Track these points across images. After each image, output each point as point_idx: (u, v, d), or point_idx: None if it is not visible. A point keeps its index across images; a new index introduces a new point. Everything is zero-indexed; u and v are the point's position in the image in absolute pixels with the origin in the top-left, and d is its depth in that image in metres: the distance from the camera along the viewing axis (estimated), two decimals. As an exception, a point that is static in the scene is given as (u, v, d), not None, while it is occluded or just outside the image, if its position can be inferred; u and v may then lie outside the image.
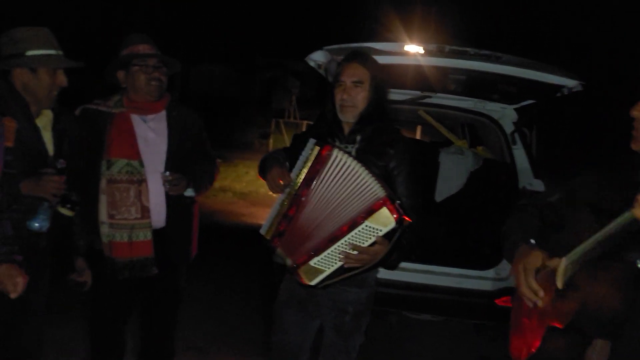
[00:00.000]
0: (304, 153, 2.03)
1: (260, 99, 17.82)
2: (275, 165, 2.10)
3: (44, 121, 2.14)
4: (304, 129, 13.94)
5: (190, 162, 2.48)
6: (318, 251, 1.89)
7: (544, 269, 1.51)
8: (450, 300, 3.54)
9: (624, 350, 1.51)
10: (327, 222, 1.91)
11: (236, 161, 11.23)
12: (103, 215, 2.31)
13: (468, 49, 3.23)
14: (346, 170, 1.90)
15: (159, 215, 2.40)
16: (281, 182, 2.03)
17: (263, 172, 2.18)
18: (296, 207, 1.98)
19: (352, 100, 2.07)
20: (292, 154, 2.16)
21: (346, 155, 1.91)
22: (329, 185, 1.92)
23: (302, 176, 1.98)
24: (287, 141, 13.99)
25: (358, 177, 1.87)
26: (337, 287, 2.05)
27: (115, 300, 2.44)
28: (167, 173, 2.32)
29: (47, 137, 2.14)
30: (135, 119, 2.39)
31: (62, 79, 2.11)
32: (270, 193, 2.09)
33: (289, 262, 1.98)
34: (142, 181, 2.32)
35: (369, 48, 3.30)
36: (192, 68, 17.12)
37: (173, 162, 2.41)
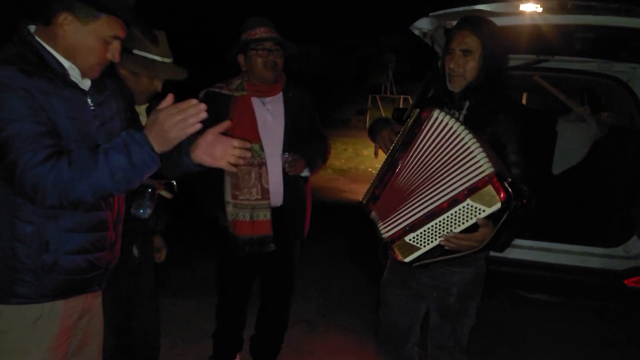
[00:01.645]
0: (410, 120, 1.93)
1: (355, 77, 17.71)
2: (385, 126, 2.07)
3: (141, 108, 2.19)
4: (401, 104, 13.69)
5: (305, 141, 2.54)
6: (414, 227, 1.78)
7: None
8: (571, 279, 3.29)
9: None
10: (424, 192, 1.78)
11: (334, 138, 11.27)
12: (228, 195, 2.44)
13: (594, 3, 2.89)
14: (447, 133, 1.74)
15: (276, 195, 2.49)
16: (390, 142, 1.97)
17: (373, 134, 2.15)
18: (392, 171, 1.90)
19: (461, 69, 1.93)
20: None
21: (448, 117, 1.76)
22: (427, 149, 1.80)
23: (401, 139, 1.89)
24: (383, 116, 13.79)
25: (460, 141, 1.70)
26: (438, 266, 1.93)
27: (238, 273, 2.59)
28: (287, 155, 2.41)
29: (144, 123, 2.20)
30: (255, 101, 2.48)
31: (157, 86, 2.14)
32: (370, 169, 2.04)
33: (383, 233, 1.89)
34: (262, 164, 2.43)
35: (479, 10, 3.09)
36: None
37: (290, 143, 2.48)
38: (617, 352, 3.36)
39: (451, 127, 1.73)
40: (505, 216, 1.65)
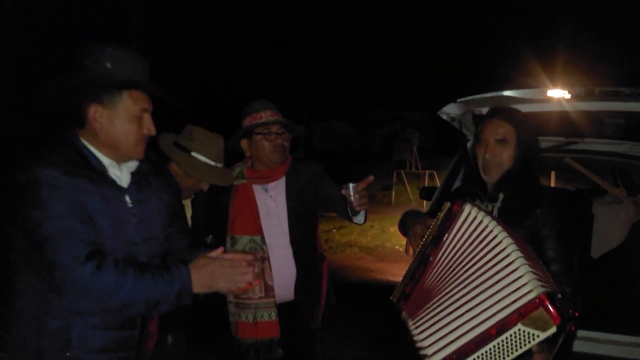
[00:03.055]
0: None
1: (380, 152, 17.98)
2: (417, 221, 1.96)
3: (186, 200, 2.25)
4: (426, 179, 13.73)
5: (315, 223, 2.43)
6: (461, 356, 1.57)
7: None
8: (619, 373, 3.08)
9: None
10: (461, 301, 1.60)
11: (360, 215, 11.25)
12: (229, 294, 2.28)
13: (622, 89, 2.91)
14: (481, 231, 1.63)
15: (284, 289, 2.33)
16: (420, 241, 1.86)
17: (404, 228, 2.06)
18: (423, 267, 1.77)
19: (496, 159, 1.91)
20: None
21: (482, 213, 1.66)
22: (460, 247, 1.67)
23: (431, 233, 1.81)
24: (409, 191, 13.81)
25: (497, 244, 1.57)
26: None
27: None
28: (351, 185, 2.08)
29: (188, 214, 2.24)
30: (257, 189, 2.39)
31: (204, 186, 2.22)
32: (397, 247, 1.97)
33: (418, 345, 1.66)
34: (264, 259, 2.29)
35: (507, 97, 3.14)
36: (315, 126, 17.90)
37: (295, 225, 2.35)
38: None
39: (486, 226, 1.62)
40: (561, 339, 1.51)
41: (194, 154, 2.16)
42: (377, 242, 8.90)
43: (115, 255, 1.49)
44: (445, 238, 1.73)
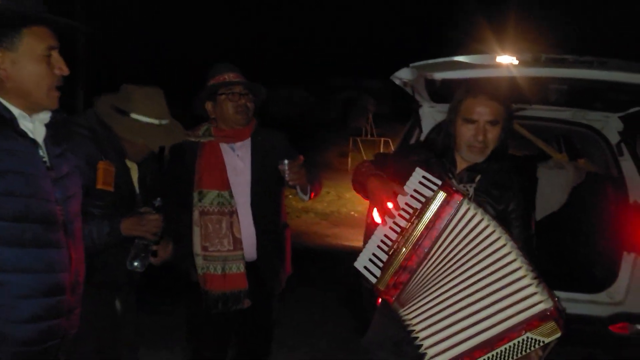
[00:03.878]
0: (411, 183, 1.83)
1: (337, 119, 17.97)
2: (384, 185, 1.87)
3: (131, 162, 2.18)
4: (381, 146, 13.86)
5: (277, 186, 2.43)
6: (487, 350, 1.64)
7: None
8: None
9: None
10: (466, 301, 1.66)
11: (316, 182, 11.32)
12: (197, 247, 2.31)
13: (567, 57, 3.02)
14: (481, 231, 1.66)
15: (249, 247, 2.36)
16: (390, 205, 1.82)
17: (365, 189, 1.95)
18: (417, 258, 1.72)
19: (489, 141, 1.86)
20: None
21: (480, 210, 1.67)
22: (458, 244, 1.69)
23: (424, 222, 1.72)
24: (365, 158, 13.91)
25: (500, 249, 1.63)
26: None
27: (212, 333, 2.41)
28: (286, 161, 2.21)
29: (134, 177, 2.17)
30: (224, 147, 2.40)
31: (154, 148, 2.13)
32: (353, 212, 1.97)
33: (422, 342, 1.71)
34: (233, 213, 2.31)
35: (458, 62, 3.19)
36: (271, 93, 17.68)
37: (257, 188, 2.38)
38: (606, 400, 3.33)
39: (487, 225, 1.65)
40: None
41: (133, 115, 2.04)
42: (333, 208, 9.00)
43: (33, 216, 1.40)
44: (441, 231, 1.70)
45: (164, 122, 2.11)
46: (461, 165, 1.95)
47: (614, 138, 3.54)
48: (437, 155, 1.98)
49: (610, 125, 3.59)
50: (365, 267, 1.86)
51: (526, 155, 5.26)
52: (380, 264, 1.81)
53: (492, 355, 1.63)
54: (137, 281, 2.25)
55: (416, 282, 1.75)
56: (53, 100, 1.52)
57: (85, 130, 1.99)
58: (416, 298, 1.76)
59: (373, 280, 1.82)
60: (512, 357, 1.62)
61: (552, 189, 3.69)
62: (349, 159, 13.61)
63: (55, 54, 1.50)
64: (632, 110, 3.52)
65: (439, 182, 1.76)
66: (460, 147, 1.91)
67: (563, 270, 3.62)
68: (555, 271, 3.62)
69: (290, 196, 9.78)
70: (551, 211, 3.70)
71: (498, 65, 3.05)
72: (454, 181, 1.92)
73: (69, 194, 1.55)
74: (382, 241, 1.84)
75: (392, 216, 1.82)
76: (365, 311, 2.92)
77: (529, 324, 1.58)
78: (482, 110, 1.85)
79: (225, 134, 2.41)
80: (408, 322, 1.75)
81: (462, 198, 1.69)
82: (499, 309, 1.62)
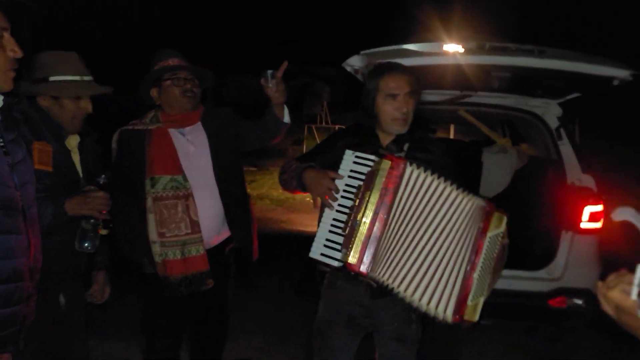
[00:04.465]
0: (345, 166, 1.92)
1: (291, 106, 17.95)
2: (321, 175, 1.94)
3: (72, 144, 2.13)
4: (336, 134, 13.99)
5: (237, 163, 2.46)
6: (465, 294, 1.84)
7: None
8: (500, 302, 3.45)
9: None
10: (436, 248, 1.85)
11: (271, 169, 11.33)
12: (153, 234, 2.27)
13: (509, 45, 3.15)
14: (427, 186, 1.86)
15: (211, 230, 2.36)
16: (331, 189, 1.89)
17: (299, 181, 2.00)
18: (383, 227, 1.81)
19: (408, 112, 2.00)
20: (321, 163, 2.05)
21: (422, 169, 1.85)
22: (412, 203, 1.85)
23: (376, 192, 1.82)
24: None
25: (443, 190, 1.86)
26: (396, 298, 1.96)
27: (168, 321, 2.40)
28: (269, 72, 2.20)
29: (76, 159, 2.13)
30: (174, 133, 2.37)
31: (86, 106, 2.08)
32: (308, 199, 2.00)
33: (445, 316, 1.86)
34: (188, 196, 2.29)
35: (407, 50, 3.27)
36: (224, 79, 17.42)
37: (221, 167, 2.38)
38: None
39: (432, 180, 1.86)
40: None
41: (52, 78, 2.00)
42: (288, 195, 9.03)
43: None
44: (395, 195, 1.82)
45: (86, 78, 2.08)
46: (386, 139, 2.07)
47: (553, 123, 3.73)
48: (362, 136, 2.08)
49: (551, 111, 3.78)
50: (322, 254, 1.89)
51: (472, 140, 5.47)
52: (338, 246, 1.87)
53: (480, 272, 1.85)
54: (82, 274, 2.21)
55: (385, 247, 1.84)
56: (7, 82, 1.49)
57: (18, 114, 1.95)
58: (389, 261, 1.85)
59: (335, 263, 1.86)
60: (491, 261, 1.86)
61: (496, 172, 3.86)
62: (304, 146, 13.67)
63: (6, 35, 1.46)
64: (570, 96, 3.73)
65: (374, 157, 1.87)
66: (386, 123, 2.03)
67: (508, 249, 3.80)
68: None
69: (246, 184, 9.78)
70: (495, 193, 3.87)
71: (445, 53, 3.16)
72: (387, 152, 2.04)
73: (25, 179, 1.53)
74: (332, 225, 1.90)
75: (335, 199, 1.91)
76: (320, 295, 2.98)
77: (484, 227, 1.84)
78: (401, 84, 1.99)
79: (173, 119, 2.37)
80: (391, 286, 1.86)
81: (405, 162, 1.85)
82: (462, 236, 1.86)
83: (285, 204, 8.42)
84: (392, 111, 2.00)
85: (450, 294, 1.85)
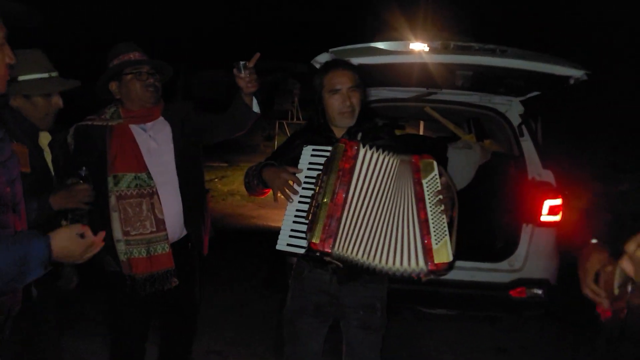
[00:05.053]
0: (304, 160, 2.05)
1: (262, 103, 17.88)
2: (280, 171, 2.03)
3: (44, 142, 2.13)
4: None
5: (199, 157, 2.46)
6: (428, 241, 1.90)
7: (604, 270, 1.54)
8: (464, 293, 3.58)
9: None
10: (392, 214, 1.94)
11: (242, 165, 11.28)
12: (117, 233, 2.24)
13: (473, 44, 3.25)
14: (382, 164, 1.96)
15: (175, 225, 2.36)
16: (292, 183, 2.01)
17: (262, 180, 2.09)
18: (342, 208, 1.91)
19: (353, 105, 2.13)
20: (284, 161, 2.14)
21: (374, 149, 1.97)
22: (368, 179, 1.95)
23: (334, 174, 1.93)
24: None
25: (389, 164, 1.97)
26: (363, 286, 2.11)
27: (135, 318, 2.40)
28: (241, 63, 2.24)
29: (48, 159, 2.13)
30: (135, 129, 2.33)
31: (57, 102, 2.09)
32: (278, 194, 2.02)
33: (420, 269, 1.90)
34: (153, 194, 2.27)
35: (374, 48, 3.34)
36: (195, 75, 17.22)
37: (183, 163, 2.37)
38: (510, 357, 3.67)
39: (384, 157, 1.98)
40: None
41: (22, 77, 2.01)
42: (259, 191, 9.04)
43: None
44: (352, 175, 1.95)
45: (53, 74, 2.09)
46: (339, 132, 2.19)
47: (515, 120, 3.87)
48: (318, 132, 2.20)
49: (513, 108, 3.92)
50: (289, 244, 1.97)
51: (440, 136, 5.60)
52: (303, 234, 1.94)
53: (432, 216, 1.93)
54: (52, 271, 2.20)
55: (347, 224, 1.92)
56: (4, 85, 1.51)
57: (5, 114, 1.95)
58: (352, 236, 1.92)
59: (302, 251, 1.95)
60: (438, 202, 1.93)
61: (461, 168, 3.97)
62: (276, 142, 13.65)
63: (5, 42, 1.48)
64: (531, 94, 3.87)
65: (329, 147, 2.00)
66: (334, 117, 2.16)
67: (470, 242, 3.92)
68: (463, 243, 3.92)
69: (217, 180, 9.72)
70: (459, 188, 3.98)
71: (411, 52, 3.24)
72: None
73: (13, 176, 1.54)
74: (296, 216, 1.99)
75: (295, 192, 2.01)
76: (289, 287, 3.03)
77: (417, 177, 1.96)
78: (342, 80, 2.13)
79: (134, 114, 2.34)
80: (357, 259, 1.93)
81: (359, 143, 1.99)
82: (403, 193, 1.96)
83: (256, 200, 8.42)
84: (338, 105, 2.13)
85: (415, 247, 1.91)
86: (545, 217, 3.55)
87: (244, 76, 2.25)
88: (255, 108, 2.42)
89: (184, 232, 2.44)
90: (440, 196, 1.92)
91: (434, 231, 1.91)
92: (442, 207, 1.92)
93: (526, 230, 3.62)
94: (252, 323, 3.96)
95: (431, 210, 1.92)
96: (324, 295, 2.14)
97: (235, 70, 2.24)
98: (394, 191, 1.96)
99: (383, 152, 1.97)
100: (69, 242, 1.47)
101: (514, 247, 3.62)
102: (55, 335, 2.26)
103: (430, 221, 1.91)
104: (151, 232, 2.27)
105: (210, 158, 10.63)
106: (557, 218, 3.59)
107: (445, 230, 1.92)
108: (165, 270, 2.30)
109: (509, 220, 3.80)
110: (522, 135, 3.81)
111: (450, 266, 1.89)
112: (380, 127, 2.24)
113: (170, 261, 2.31)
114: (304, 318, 2.19)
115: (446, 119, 4.58)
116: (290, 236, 1.98)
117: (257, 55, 2.27)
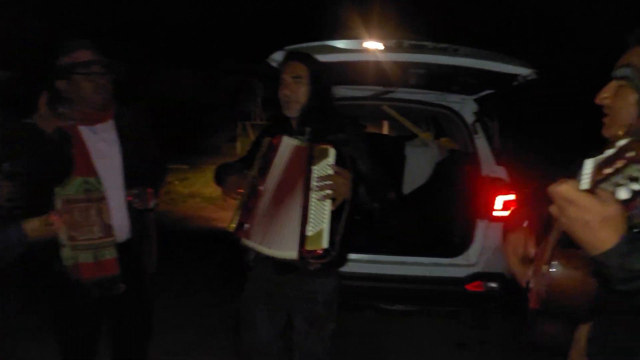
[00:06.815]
0: (260, 152, 2.15)
1: (225, 103, 17.70)
2: (232, 172, 2.19)
3: None
4: (271, 131, 13.95)
5: (147, 166, 2.40)
6: (305, 221, 1.94)
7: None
8: (423, 289, 3.63)
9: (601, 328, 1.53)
10: (290, 199, 2.01)
11: (204, 167, 11.13)
12: (63, 237, 2.14)
13: (426, 43, 3.30)
14: (291, 152, 2.05)
15: (121, 230, 2.30)
16: (239, 190, 2.12)
17: (220, 180, 2.26)
18: (254, 197, 2.08)
19: (294, 95, 2.17)
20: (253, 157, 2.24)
21: (296, 140, 2.06)
22: (282, 168, 2.06)
23: (257, 167, 2.10)
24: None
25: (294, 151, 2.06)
26: (303, 278, 2.14)
27: (83, 322, 2.34)
28: (134, 190, 2.29)
29: None
30: (84, 130, 2.25)
31: None
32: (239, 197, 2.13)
33: (283, 253, 2.00)
34: (102, 199, 2.20)
35: (329, 46, 3.35)
36: (155, 74, 16.88)
37: (130, 171, 2.30)
38: (470, 351, 3.74)
39: (300, 145, 2.06)
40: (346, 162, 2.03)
41: None
42: (219, 192, 8.92)
43: None
44: (270, 168, 2.06)
45: None
46: (295, 125, 2.24)
47: (469, 118, 3.94)
48: (280, 124, 2.27)
49: (466, 106, 3.99)
50: (232, 224, 2.13)
51: (400, 135, 5.68)
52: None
53: (314, 203, 1.95)
54: (12, 271, 2.11)
55: (257, 212, 2.05)
56: None
57: None
58: (257, 223, 2.05)
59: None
60: (323, 189, 1.94)
61: (418, 165, 4.03)
62: (238, 144, 13.51)
63: None
64: (483, 93, 3.95)
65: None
66: (283, 107, 2.22)
67: (428, 237, 3.98)
68: (421, 239, 3.99)
69: (177, 182, 9.56)
70: (417, 185, 4.04)
71: (365, 50, 3.26)
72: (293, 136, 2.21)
73: None
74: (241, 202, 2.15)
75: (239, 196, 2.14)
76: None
77: (308, 162, 1.99)
78: (288, 70, 2.20)
79: (84, 116, 2.25)
80: (256, 245, 2.05)
81: (282, 136, 2.08)
82: (292, 177, 2.03)
83: (217, 201, 8.31)
84: (280, 94, 2.20)
85: (292, 234, 1.97)
86: (498, 212, 3.63)
87: (134, 203, 2.30)
88: (153, 204, 2.45)
89: (130, 236, 2.37)
90: (327, 182, 1.94)
91: (313, 218, 1.95)
92: (327, 193, 1.94)
93: (481, 226, 3.69)
94: (213, 324, 3.91)
95: (314, 198, 1.97)
96: (268, 283, 2.23)
97: (129, 197, 2.30)
98: (292, 178, 2.04)
99: (301, 140, 2.06)
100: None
101: (469, 242, 3.69)
102: (12, 344, 2.17)
103: (311, 208, 1.96)
104: (99, 238, 2.20)
105: (170, 160, 10.46)
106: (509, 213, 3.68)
107: (324, 218, 1.94)
108: (112, 276, 2.24)
109: (465, 216, 3.88)
110: (476, 132, 3.89)
111: (326, 253, 1.93)
112: (340, 124, 2.23)
113: (116, 267, 2.25)
114: (257, 304, 2.27)
115: (405, 117, 4.64)
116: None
117: (144, 190, 2.32)
